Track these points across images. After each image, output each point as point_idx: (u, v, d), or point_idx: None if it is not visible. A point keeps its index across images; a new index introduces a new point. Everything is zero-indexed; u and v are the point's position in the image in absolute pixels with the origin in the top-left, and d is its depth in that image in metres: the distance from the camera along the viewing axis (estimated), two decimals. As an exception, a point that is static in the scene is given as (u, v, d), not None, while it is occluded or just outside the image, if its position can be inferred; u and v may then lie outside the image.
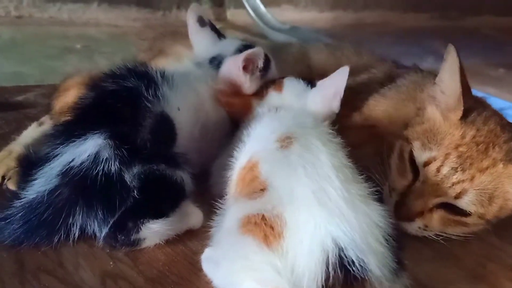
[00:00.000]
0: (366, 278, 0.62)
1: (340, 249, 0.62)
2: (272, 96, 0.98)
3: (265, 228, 0.64)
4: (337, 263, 0.61)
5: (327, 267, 0.61)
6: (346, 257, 0.62)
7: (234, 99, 1.00)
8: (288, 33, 2.92)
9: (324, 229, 0.63)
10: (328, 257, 0.61)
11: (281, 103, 0.95)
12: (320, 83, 0.97)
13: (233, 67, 1.00)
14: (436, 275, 0.85)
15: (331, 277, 0.61)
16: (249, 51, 0.99)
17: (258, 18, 3.13)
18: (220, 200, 0.76)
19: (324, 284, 0.61)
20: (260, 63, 1.00)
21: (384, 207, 0.71)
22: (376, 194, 0.73)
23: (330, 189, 0.67)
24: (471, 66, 0.90)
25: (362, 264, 0.62)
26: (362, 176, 0.74)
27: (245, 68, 0.99)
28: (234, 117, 1.00)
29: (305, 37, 2.70)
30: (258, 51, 1.00)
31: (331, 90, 0.94)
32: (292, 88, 0.98)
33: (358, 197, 0.68)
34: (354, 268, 0.61)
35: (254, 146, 0.78)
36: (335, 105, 0.95)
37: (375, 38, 3.24)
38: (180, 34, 1.36)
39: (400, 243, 0.70)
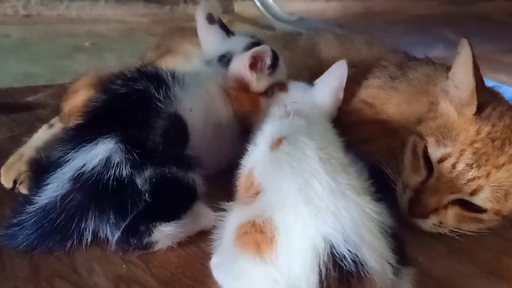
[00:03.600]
0: (362, 272, 0.60)
1: (332, 246, 0.60)
2: (279, 96, 1.00)
3: (255, 236, 0.63)
4: (330, 260, 0.59)
5: (320, 267, 0.59)
6: (338, 254, 0.60)
7: (243, 94, 1.00)
8: (295, 24, 2.90)
9: (314, 227, 0.61)
10: (319, 256, 0.60)
11: (288, 101, 0.97)
12: (322, 79, 1.02)
13: (240, 65, 1.00)
14: (451, 271, 0.84)
15: (325, 276, 0.59)
16: (256, 48, 0.98)
17: (265, 10, 3.12)
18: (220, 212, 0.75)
19: (320, 284, 0.59)
20: (268, 61, 1.00)
21: (382, 205, 0.68)
22: (381, 196, 0.70)
23: (316, 182, 0.65)
24: (482, 52, 0.88)
25: (354, 259, 0.60)
26: (354, 169, 0.72)
27: (253, 65, 0.99)
28: (241, 118, 1.01)
29: (313, 28, 2.67)
30: (265, 49, 0.99)
31: (335, 83, 1.00)
32: (297, 87, 1.02)
33: (348, 186, 0.66)
34: (346, 264, 0.59)
35: (255, 153, 0.78)
36: (341, 96, 1.02)
37: (384, 27, 3.21)
38: (188, 31, 1.36)
39: (402, 240, 0.68)
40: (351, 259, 0.60)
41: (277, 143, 0.74)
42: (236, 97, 1.00)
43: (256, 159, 0.76)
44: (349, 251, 0.60)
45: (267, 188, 0.68)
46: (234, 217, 0.70)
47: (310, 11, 3.47)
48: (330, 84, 1.00)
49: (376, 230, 0.64)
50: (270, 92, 1.01)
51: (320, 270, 0.59)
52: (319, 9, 3.64)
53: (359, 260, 0.60)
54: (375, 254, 0.61)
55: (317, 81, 1.02)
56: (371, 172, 0.80)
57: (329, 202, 0.63)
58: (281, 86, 1.02)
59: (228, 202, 0.76)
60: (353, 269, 0.59)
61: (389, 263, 0.63)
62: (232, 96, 1.00)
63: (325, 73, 1.02)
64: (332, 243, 0.60)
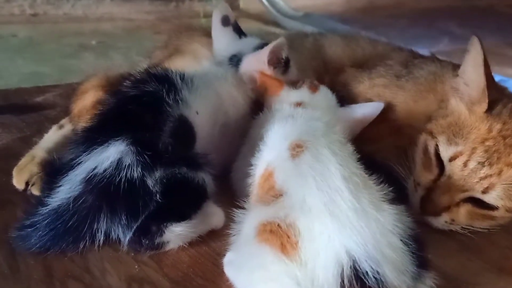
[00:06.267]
0: None
1: (354, 261, 0.61)
2: (304, 92, 0.99)
3: (281, 236, 0.63)
4: (352, 275, 0.61)
5: (342, 280, 0.61)
6: (360, 269, 0.61)
7: (270, 79, 1.01)
8: (301, 20, 2.90)
9: (338, 241, 0.62)
10: (343, 269, 0.61)
11: (309, 101, 0.96)
12: (353, 108, 1.02)
13: (257, 62, 1.02)
14: (461, 267, 0.85)
15: None
16: (274, 43, 1.00)
17: (271, 6, 3.11)
18: (238, 207, 0.74)
19: None
20: (284, 54, 1.02)
21: (400, 207, 0.69)
22: (392, 193, 0.71)
23: (341, 201, 0.66)
24: (487, 46, 0.87)
25: (376, 276, 0.61)
26: (374, 179, 0.72)
27: (271, 62, 1.01)
28: (259, 95, 1.02)
29: (319, 24, 2.66)
30: (281, 42, 1.01)
31: (360, 115, 1.00)
32: (327, 95, 1.01)
33: (370, 205, 0.67)
34: (369, 280, 0.61)
35: (269, 154, 0.77)
36: (358, 130, 1.00)
37: (389, 21, 3.20)
38: (196, 31, 1.36)
39: (422, 243, 0.69)
40: (373, 276, 0.61)
41: (297, 149, 0.74)
42: (261, 79, 1.01)
43: (273, 161, 0.75)
44: (372, 268, 0.61)
45: (290, 194, 0.69)
46: (255, 215, 0.70)
47: (315, 6, 3.46)
48: (355, 114, 1.00)
49: (397, 243, 0.65)
50: (300, 83, 1.00)
51: (343, 282, 0.61)
52: (324, 4, 3.62)
53: (380, 277, 0.61)
54: (395, 271, 0.63)
55: (349, 106, 1.02)
56: (381, 170, 0.80)
57: (353, 219, 0.64)
58: (312, 85, 1.01)
59: (238, 201, 0.76)
60: (374, 286, 0.61)
61: (408, 271, 0.64)
62: (258, 78, 1.01)
63: (359, 104, 1.03)
64: (355, 258, 0.62)
